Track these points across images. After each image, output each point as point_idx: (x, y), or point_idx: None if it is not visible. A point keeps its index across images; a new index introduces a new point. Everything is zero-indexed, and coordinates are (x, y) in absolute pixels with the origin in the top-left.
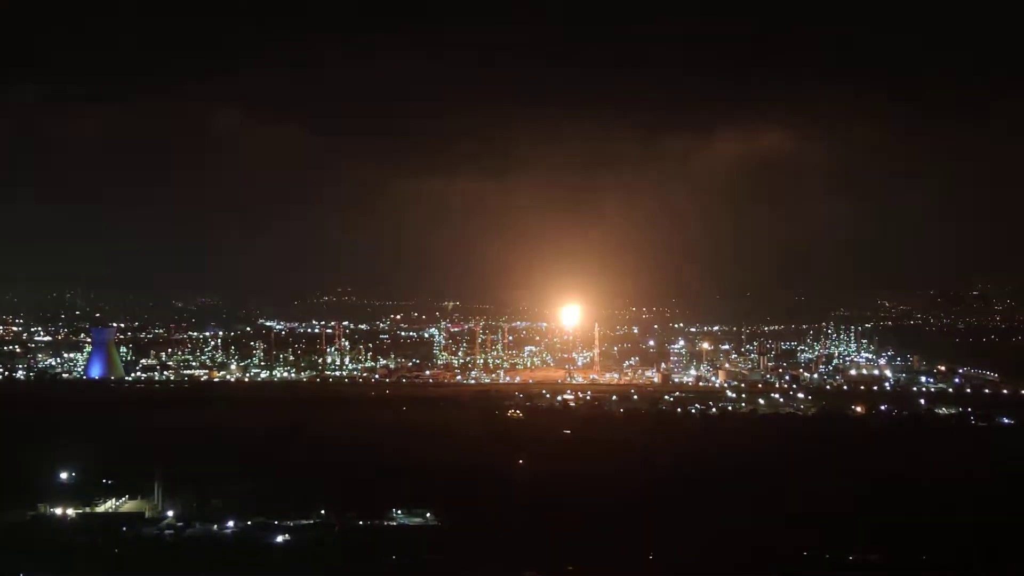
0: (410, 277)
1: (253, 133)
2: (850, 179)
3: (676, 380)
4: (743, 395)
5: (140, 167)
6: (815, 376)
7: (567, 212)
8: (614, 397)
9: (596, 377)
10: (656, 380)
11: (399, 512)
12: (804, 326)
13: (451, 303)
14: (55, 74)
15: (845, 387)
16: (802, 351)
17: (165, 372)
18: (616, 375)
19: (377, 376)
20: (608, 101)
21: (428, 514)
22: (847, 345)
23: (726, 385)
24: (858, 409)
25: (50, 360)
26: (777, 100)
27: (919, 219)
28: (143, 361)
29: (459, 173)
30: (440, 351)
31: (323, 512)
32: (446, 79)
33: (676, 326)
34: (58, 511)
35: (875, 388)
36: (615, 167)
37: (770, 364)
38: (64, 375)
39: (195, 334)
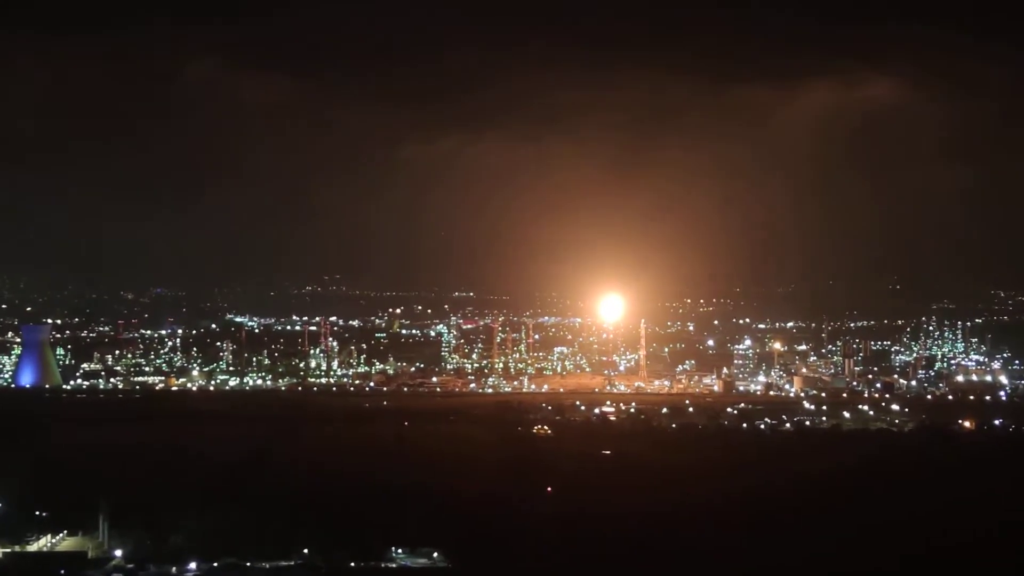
0: (413, 262)
1: (223, 82)
2: (964, 144)
3: (741, 389)
4: (824, 407)
5: (81, 124)
6: (913, 383)
7: (609, 181)
8: (664, 410)
9: (642, 385)
10: (716, 389)
11: (400, 552)
12: (900, 322)
13: (464, 294)
14: None
15: (950, 397)
16: (897, 353)
17: (112, 379)
18: (667, 382)
19: (372, 384)
20: (664, 41)
21: (435, 555)
22: (953, 345)
23: (803, 395)
24: (967, 424)
25: None
26: (876, 42)
27: None
28: (85, 365)
29: (474, 131)
30: (450, 353)
31: (306, 552)
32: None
33: (741, 322)
34: None
35: (987, 398)
36: (669, 125)
37: (857, 369)
38: None
39: (149, 332)
